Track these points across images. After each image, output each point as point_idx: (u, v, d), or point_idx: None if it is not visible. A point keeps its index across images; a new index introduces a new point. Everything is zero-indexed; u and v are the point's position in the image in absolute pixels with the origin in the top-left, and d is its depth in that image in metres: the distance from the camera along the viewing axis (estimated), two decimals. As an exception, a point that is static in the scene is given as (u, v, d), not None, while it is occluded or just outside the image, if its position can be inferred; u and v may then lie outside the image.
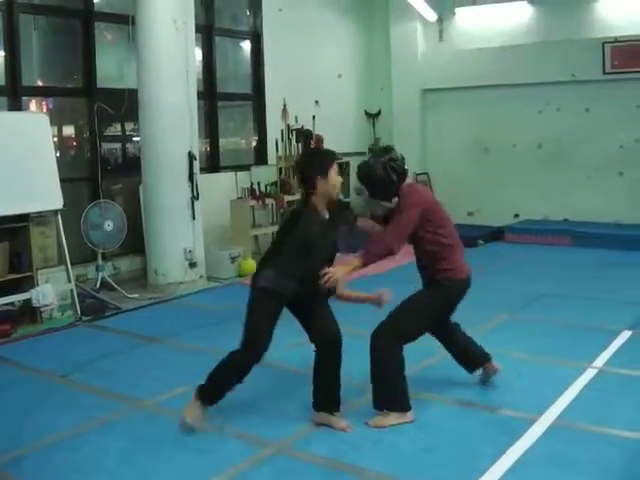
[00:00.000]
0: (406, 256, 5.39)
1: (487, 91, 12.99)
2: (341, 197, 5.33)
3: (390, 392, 4.87)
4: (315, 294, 4.83)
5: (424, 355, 6.15)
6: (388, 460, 4.33)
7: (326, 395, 4.93)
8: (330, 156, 4.86)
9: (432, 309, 5.01)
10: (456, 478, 4.10)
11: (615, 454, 4.32)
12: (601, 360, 6.00)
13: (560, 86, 12.26)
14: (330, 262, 4.80)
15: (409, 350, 6.05)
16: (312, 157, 5.04)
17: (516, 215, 13.01)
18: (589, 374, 5.67)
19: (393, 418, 4.82)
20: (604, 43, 11.70)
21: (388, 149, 5.11)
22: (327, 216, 4.78)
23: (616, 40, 11.62)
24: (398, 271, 9.30)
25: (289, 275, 4.65)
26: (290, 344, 6.19)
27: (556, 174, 12.51)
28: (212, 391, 4.83)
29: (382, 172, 4.88)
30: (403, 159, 5.01)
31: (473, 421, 4.87)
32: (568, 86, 12.19)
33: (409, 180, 5.05)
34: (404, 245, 4.86)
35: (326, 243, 4.72)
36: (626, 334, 6.70)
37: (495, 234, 12.44)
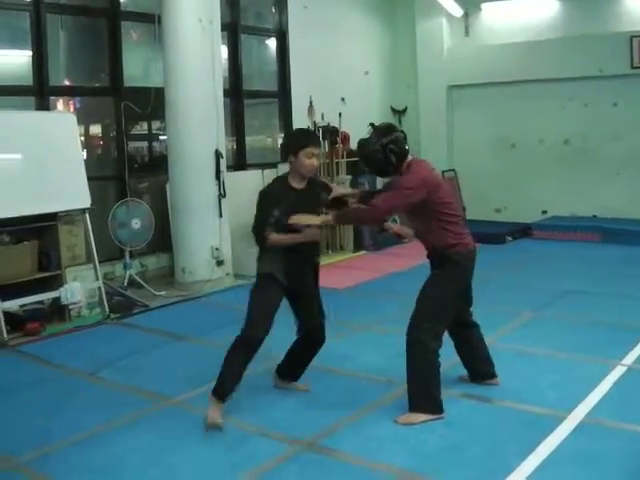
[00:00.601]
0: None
1: (514, 87, 12.91)
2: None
3: (424, 391, 4.85)
4: (305, 273, 5.24)
5: (452, 352, 6.13)
6: (415, 457, 4.32)
7: (298, 370, 5.45)
8: (304, 139, 5.06)
9: (453, 290, 4.99)
10: (484, 476, 4.07)
11: (645, 451, 4.29)
12: (630, 358, 5.94)
13: (587, 81, 12.15)
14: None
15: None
16: (289, 137, 5.29)
17: (544, 212, 12.93)
18: (618, 372, 5.62)
19: (422, 415, 4.80)
20: (632, 37, 11.58)
21: (390, 129, 5.06)
22: (301, 186, 5.08)
23: (644, 34, 11.53)
24: (418, 269, 9.27)
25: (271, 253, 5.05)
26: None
27: (583, 170, 12.42)
28: (222, 384, 4.94)
29: (381, 155, 4.87)
30: (404, 139, 4.96)
31: (501, 419, 4.84)
32: (595, 81, 12.08)
33: (411, 157, 4.98)
34: (390, 216, 4.87)
35: (291, 204, 4.94)
36: (656, 331, 6.65)
37: (523, 231, 12.37)
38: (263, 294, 5.04)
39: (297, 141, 5.08)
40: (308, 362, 5.44)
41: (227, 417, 4.96)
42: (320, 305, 5.35)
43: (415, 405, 4.85)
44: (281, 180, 5.14)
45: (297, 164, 4.98)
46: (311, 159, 4.95)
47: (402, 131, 5.08)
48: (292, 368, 5.52)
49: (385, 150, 4.85)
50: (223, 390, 4.91)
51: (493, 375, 5.42)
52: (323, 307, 5.36)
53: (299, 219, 4.90)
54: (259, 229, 5.04)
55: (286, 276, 5.03)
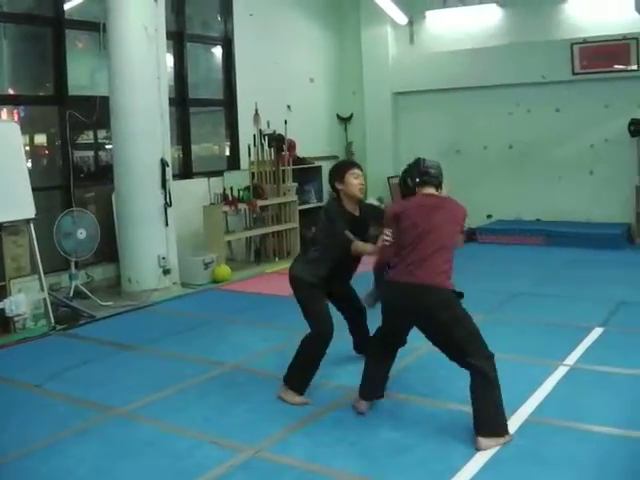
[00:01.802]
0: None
1: (458, 93, 13.08)
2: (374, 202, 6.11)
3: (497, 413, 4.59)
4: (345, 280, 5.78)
5: (400, 356, 6.19)
6: (363, 462, 4.35)
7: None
8: (347, 164, 5.75)
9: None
10: (431, 478, 4.12)
11: (588, 450, 4.37)
12: (573, 357, 6.07)
13: (530, 87, 12.37)
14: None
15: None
16: (333, 168, 5.64)
17: (489, 216, 13.09)
18: (561, 371, 5.73)
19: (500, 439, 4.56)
20: (573, 44, 11.81)
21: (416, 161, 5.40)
22: (357, 213, 5.53)
23: (584, 41, 11.75)
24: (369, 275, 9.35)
25: (317, 264, 5.42)
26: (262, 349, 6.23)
27: (528, 174, 12.62)
28: (297, 379, 5.36)
29: (400, 181, 5.31)
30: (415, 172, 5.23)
31: (447, 421, 4.89)
32: (538, 87, 12.30)
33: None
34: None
35: (348, 228, 5.32)
36: (597, 331, 6.79)
37: (468, 235, 12.47)
38: (314, 295, 5.44)
39: (342, 167, 5.60)
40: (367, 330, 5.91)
41: (175, 426, 4.96)
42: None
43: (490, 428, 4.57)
44: (337, 202, 5.52)
45: (346, 186, 5.42)
46: (358, 179, 5.45)
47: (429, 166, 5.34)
48: (362, 340, 6.02)
49: (404, 178, 5.27)
50: (301, 384, 5.34)
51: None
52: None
53: (356, 245, 5.28)
54: (341, 232, 5.31)
55: (325, 285, 5.48)
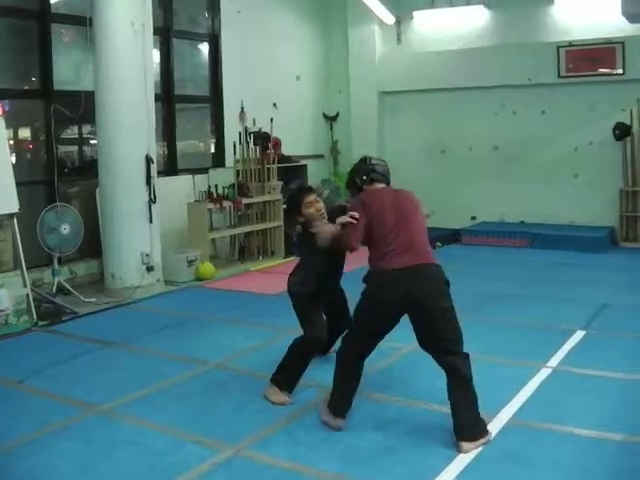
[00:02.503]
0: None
1: (445, 94, 13.11)
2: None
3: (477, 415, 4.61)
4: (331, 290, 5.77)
5: (380, 356, 6.20)
6: (345, 461, 4.35)
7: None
8: (297, 196, 5.56)
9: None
10: (413, 478, 4.13)
11: (569, 452, 4.39)
12: (555, 360, 6.09)
13: (516, 89, 12.42)
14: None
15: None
16: (287, 204, 5.85)
17: (473, 217, 13.14)
18: (543, 374, 5.75)
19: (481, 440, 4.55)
20: (559, 47, 11.88)
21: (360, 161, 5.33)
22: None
23: (570, 44, 11.80)
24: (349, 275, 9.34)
25: (305, 277, 5.46)
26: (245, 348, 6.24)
27: (512, 176, 12.66)
28: (286, 380, 5.36)
29: (348, 182, 5.30)
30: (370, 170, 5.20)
31: (428, 422, 4.90)
32: (524, 89, 12.34)
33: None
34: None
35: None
36: (580, 334, 6.81)
37: (452, 236, 12.54)
38: (308, 304, 5.46)
39: (295, 200, 5.53)
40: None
41: (157, 424, 4.95)
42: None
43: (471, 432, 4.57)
44: (304, 234, 5.49)
45: (306, 217, 5.42)
46: (313, 206, 5.42)
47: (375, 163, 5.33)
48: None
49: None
50: (289, 384, 5.36)
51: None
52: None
53: (320, 232, 5.17)
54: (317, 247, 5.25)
55: (317, 293, 5.47)
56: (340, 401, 4.87)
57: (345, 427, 4.83)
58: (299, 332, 5.43)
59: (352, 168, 5.29)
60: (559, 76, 11.97)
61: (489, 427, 4.62)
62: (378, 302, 4.70)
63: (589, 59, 11.70)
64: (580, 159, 12.13)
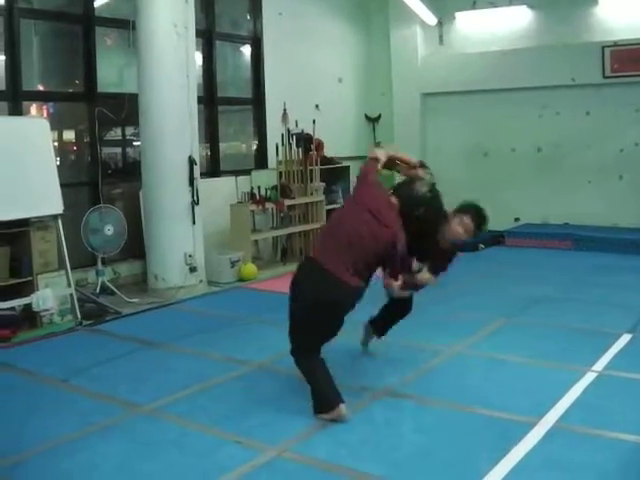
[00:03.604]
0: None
1: (487, 95, 13.02)
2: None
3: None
4: None
5: (424, 359, 6.18)
6: (387, 463, 4.33)
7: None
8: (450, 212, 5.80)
9: None
10: (455, 482, 4.11)
11: (614, 458, 4.31)
12: (601, 364, 5.99)
13: (560, 90, 12.29)
14: None
15: (408, 353, 6.07)
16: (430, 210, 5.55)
17: (516, 219, 13.03)
18: (588, 378, 5.67)
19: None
20: (604, 47, 11.73)
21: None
22: None
23: (615, 44, 11.65)
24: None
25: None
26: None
27: (556, 178, 12.54)
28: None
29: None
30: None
31: (472, 425, 4.87)
32: (568, 90, 12.21)
33: None
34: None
35: None
36: (626, 337, 6.71)
37: (496, 238, 12.44)
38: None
39: (441, 213, 5.73)
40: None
41: (199, 425, 4.97)
42: None
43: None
44: None
45: (449, 236, 5.75)
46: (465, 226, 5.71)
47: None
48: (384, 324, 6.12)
49: None
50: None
51: None
52: None
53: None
54: None
55: None
56: (326, 393, 5.02)
57: (348, 411, 4.93)
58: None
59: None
60: (604, 76, 11.82)
61: (533, 431, 4.58)
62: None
63: (635, 59, 11.54)
64: (625, 161, 11.97)
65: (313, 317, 5.01)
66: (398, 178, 5.87)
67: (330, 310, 4.98)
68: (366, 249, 4.97)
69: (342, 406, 4.93)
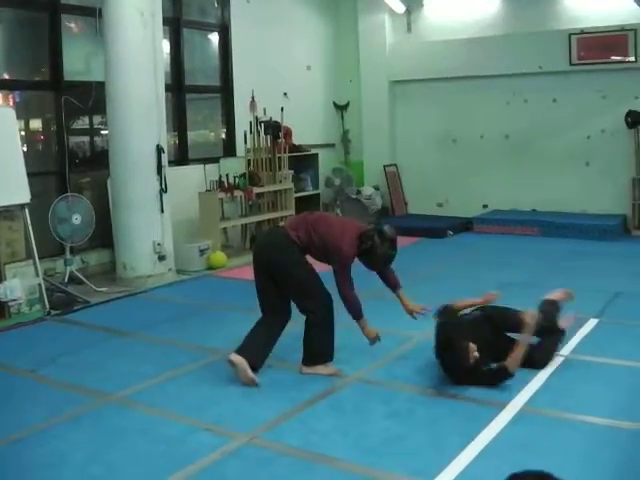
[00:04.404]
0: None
1: (455, 83, 13.07)
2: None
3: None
4: None
5: (394, 345, 6.20)
6: (357, 449, 4.36)
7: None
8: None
9: None
10: (425, 466, 4.12)
11: (581, 440, 4.38)
12: (568, 348, 6.05)
13: (527, 77, 12.37)
14: None
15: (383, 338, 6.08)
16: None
17: (485, 206, 13.10)
18: (556, 362, 5.72)
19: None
20: (570, 34, 11.80)
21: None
22: None
23: (582, 32, 11.72)
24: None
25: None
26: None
27: (524, 165, 12.63)
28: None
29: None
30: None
31: (441, 410, 4.91)
32: (535, 77, 12.30)
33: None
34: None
35: None
36: (592, 322, 6.80)
37: (464, 225, 12.52)
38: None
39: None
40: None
41: (169, 413, 4.97)
42: None
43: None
44: None
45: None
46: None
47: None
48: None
49: None
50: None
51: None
52: None
53: None
54: None
55: None
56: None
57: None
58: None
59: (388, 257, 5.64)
60: (571, 64, 11.90)
61: (501, 415, 4.64)
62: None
63: (601, 47, 11.63)
64: (592, 147, 12.08)
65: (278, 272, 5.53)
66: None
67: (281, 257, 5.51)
68: (324, 233, 5.50)
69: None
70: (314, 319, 5.53)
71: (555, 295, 6.04)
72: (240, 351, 5.46)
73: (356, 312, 5.59)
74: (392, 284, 5.92)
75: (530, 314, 5.35)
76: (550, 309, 5.82)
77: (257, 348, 5.56)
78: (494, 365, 5.25)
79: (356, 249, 5.48)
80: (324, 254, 5.53)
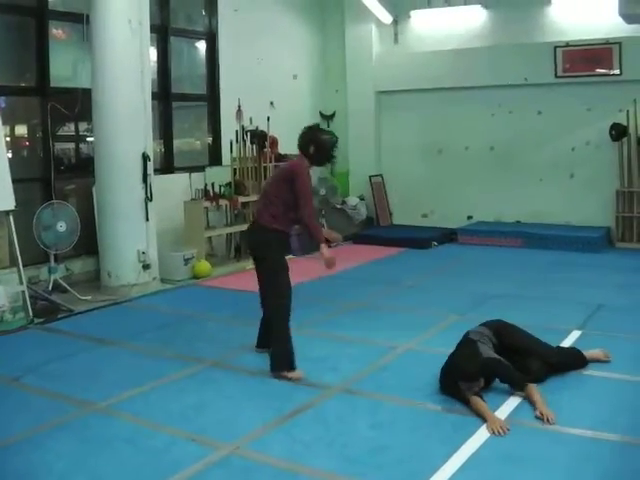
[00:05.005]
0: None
1: (441, 93, 13.10)
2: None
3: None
4: None
5: (378, 355, 6.21)
6: (341, 460, 4.36)
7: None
8: None
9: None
10: (409, 476, 4.13)
11: (565, 452, 4.39)
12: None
13: (513, 89, 12.42)
14: None
15: (363, 350, 6.10)
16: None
17: (469, 217, 13.15)
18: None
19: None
20: (556, 47, 11.87)
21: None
22: None
23: (567, 44, 11.80)
24: (346, 274, 9.43)
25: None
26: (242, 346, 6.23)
27: (508, 176, 12.67)
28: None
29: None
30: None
31: (425, 420, 4.92)
32: (521, 89, 12.35)
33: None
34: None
35: None
36: (575, 334, 6.81)
37: (448, 236, 12.55)
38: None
39: None
40: None
41: (153, 422, 4.95)
42: None
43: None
44: None
45: None
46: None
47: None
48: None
49: None
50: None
51: None
52: None
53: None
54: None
55: None
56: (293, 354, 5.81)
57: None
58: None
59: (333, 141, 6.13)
60: (556, 76, 11.97)
61: (485, 426, 4.65)
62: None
63: (586, 59, 11.71)
64: (577, 159, 12.13)
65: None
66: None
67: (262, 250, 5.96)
68: (275, 184, 6.11)
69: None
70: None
71: (592, 354, 6.01)
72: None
73: (320, 237, 5.91)
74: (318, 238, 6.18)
75: (534, 390, 5.27)
76: (574, 363, 5.85)
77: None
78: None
79: (306, 161, 6.06)
80: (292, 199, 5.86)
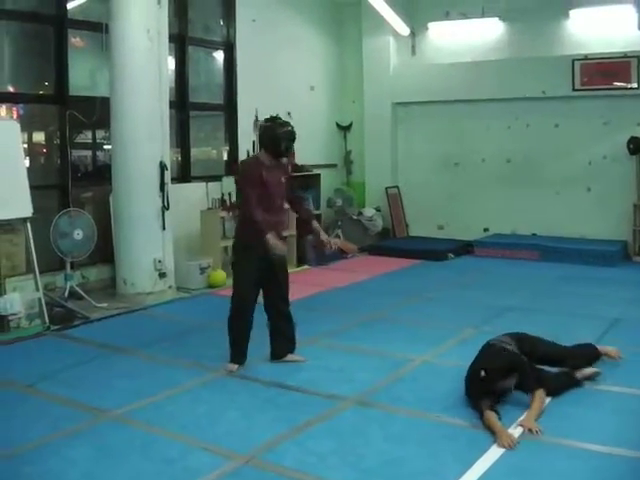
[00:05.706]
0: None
1: (458, 106, 13.10)
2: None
3: None
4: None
5: (393, 367, 6.20)
6: (355, 473, 4.34)
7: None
8: None
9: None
10: (422, 491, 4.12)
11: (580, 467, 4.35)
12: (567, 374, 6.04)
13: (530, 102, 12.39)
14: None
15: (378, 361, 6.09)
16: None
17: (485, 229, 13.11)
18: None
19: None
20: (574, 60, 11.84)
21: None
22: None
23: (586, 57, 11.77)
24: (360, 285, 9.42)
25: None
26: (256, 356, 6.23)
27: (525, 189, 12.63)
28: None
29: None
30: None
31: (440, 434, 4.89)
32: (538, 102, 12.32)
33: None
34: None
35: None
36: (592, 349, 6.76)
37: (465, 248, 12.52)
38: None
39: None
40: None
41: (167, 431, 4.95)
42: None
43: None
44: None
45: None
46: None
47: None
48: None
49: None
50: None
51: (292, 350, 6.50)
52: None
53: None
54: None
55: None
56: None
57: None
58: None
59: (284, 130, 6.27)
60: (574, 89, 11.94)
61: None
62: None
63: (604, 73, 11.67)
64: (593, 173, 12.09)
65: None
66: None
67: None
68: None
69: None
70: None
71: (606, 349, 6.20)
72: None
73: (262, 230, 6.06)
74: (305, 216, 6.78)
75: (539, 399, 5.25)
76: (589, 355, 6.02)
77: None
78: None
79: (261, 156, 6.33)
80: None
